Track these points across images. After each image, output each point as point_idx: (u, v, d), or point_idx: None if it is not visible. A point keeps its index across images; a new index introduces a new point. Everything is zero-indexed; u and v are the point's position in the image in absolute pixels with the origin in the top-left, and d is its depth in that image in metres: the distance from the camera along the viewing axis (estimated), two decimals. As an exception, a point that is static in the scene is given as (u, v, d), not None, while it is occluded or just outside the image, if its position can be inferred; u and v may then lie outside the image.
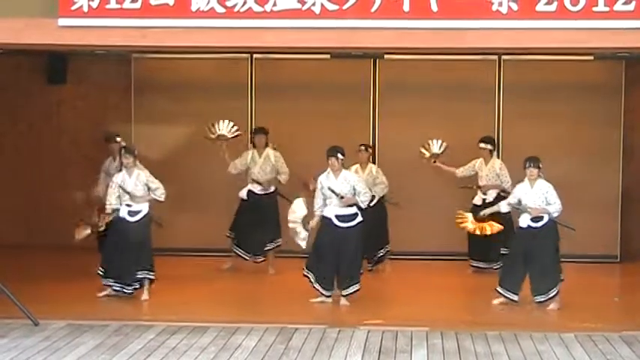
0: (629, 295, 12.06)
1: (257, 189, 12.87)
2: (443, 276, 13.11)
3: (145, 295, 11.16)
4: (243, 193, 12.97)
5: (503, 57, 13.91)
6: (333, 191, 10.87)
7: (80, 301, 10.99)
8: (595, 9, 9.50)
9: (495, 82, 14.11)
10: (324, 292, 11.01)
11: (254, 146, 13.00)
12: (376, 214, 12.85)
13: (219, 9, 9.77)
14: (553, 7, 9.55)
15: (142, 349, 9.00)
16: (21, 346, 9.05)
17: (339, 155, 10.95)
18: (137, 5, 9.81)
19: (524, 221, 10.83)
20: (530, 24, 9.60)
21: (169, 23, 9.83)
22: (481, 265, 13.08)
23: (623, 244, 14.19)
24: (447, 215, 13.84)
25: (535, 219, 10.77)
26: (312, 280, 11.02)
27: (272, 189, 12.90)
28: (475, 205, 12.94)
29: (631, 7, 9.49)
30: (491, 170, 12.83)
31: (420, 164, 13.53)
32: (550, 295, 10.79)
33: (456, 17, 9.62)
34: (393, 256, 13.43)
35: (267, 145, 12.88)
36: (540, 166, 10.84)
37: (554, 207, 10.75)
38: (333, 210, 10.96)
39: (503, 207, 11.28)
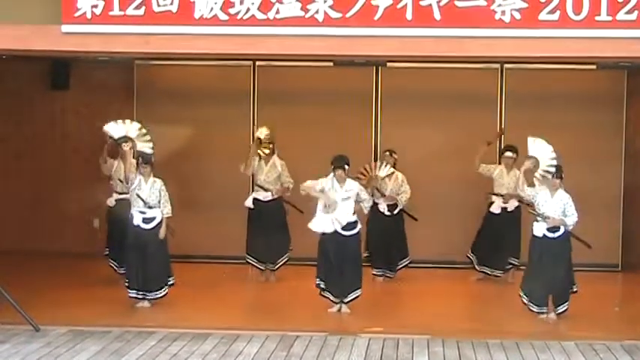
0: (631, 304, 12.05)
1: (262, 196, 12.83)
2: (444, 284, 13.10)
3: (146, 303, 11.18)
4: (249, 202, 12.91)
5: (506, 65, 13.91)
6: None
7: (81, 306, 11.00)
8: (598, 18, 9.50)
9: (498, 90, 14.10)
10: (334, 299, 11.00)
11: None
12: (397, 223, 12.87)
13: (223, 16, 9.78)
14: (556, 16, 9.55)
15: (143, 356, 9.01)
16: (22, 352, 9.06)
17: (346, 166, 10.93)
18: (140, 12, 9.82)
19: (539, 230, 10.70)
20: (533, 33, 9.59)
21: (172, 30, 9.84)
22: (487, 270, 13.01)
23: (624, 253, 14.20)
24: (449, 223, 13.89)
25: (552, 229, 10.67)
26: (324, 287, 10.97)
27: (276, 195, 12.83)
28: (492, 214, 12.85)
29: (633, 16, 9.49)
30: (513, 180, 12.61)
31: (422, 171, 13.54)
32: (566, 307, 10.75)
33: (459, 26, 9.62)
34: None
35: (273, 153, 12.86)
36: (563, 176, 10.75)
37: (572, 219, 10.66)
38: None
39: (525, 192, 10.88)
